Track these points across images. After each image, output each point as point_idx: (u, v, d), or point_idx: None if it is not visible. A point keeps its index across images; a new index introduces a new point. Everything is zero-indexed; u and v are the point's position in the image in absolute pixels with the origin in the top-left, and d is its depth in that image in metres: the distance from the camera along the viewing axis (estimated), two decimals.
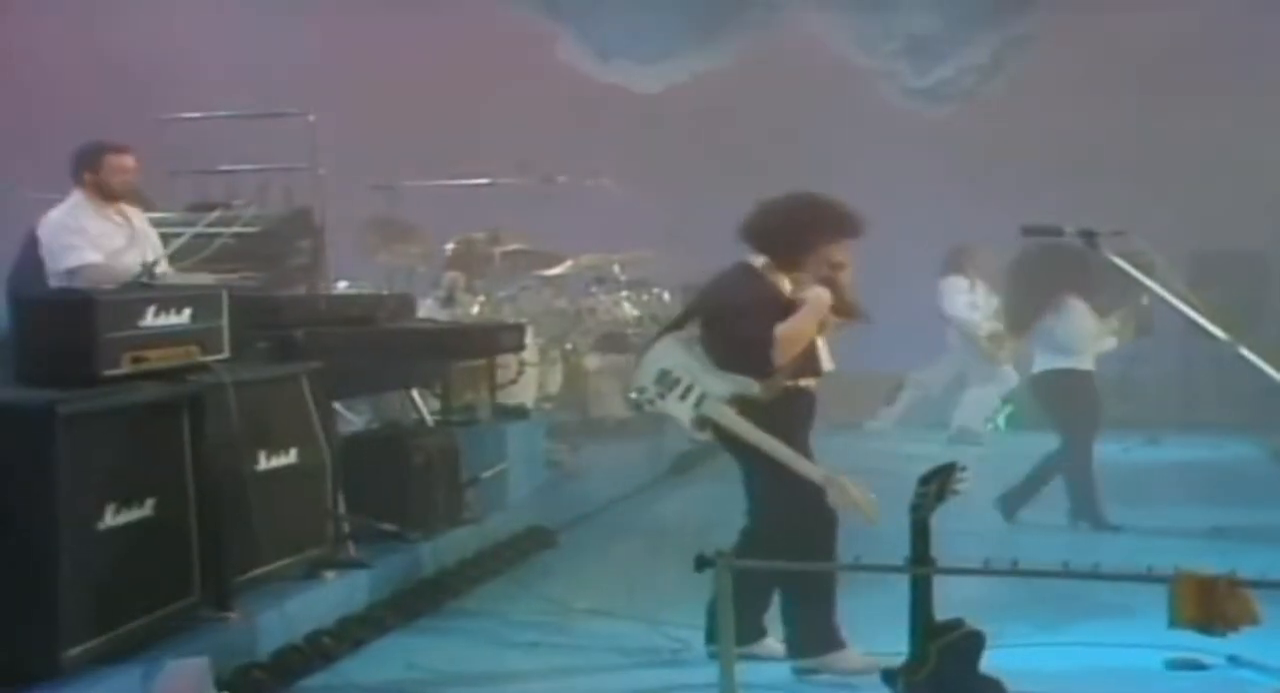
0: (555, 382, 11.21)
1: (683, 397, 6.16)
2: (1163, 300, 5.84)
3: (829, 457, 6.28)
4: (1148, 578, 4.08)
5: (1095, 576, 4.12)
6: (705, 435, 6.26)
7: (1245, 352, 5.79)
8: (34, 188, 8.92)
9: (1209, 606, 3.95)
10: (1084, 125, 14.26)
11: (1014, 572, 4.13)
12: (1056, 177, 13.84)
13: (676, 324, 6.50)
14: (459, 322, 9.15)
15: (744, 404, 6.05)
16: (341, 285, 10.19)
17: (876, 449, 12.51)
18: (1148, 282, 5.93)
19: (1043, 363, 9.15)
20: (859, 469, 6.47)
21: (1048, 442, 12.73)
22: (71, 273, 7.71)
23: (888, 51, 15.16)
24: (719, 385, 6.09)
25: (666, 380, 6.20)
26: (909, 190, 13.84)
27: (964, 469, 4.91)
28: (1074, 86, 14.50)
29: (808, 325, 6.10)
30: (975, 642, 4.89)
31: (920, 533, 4.62)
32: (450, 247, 11.63)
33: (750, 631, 6.14)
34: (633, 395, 6.47)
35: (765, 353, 6.02)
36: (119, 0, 14.24)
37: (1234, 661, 6.07)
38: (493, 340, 8.28)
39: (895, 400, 14.27)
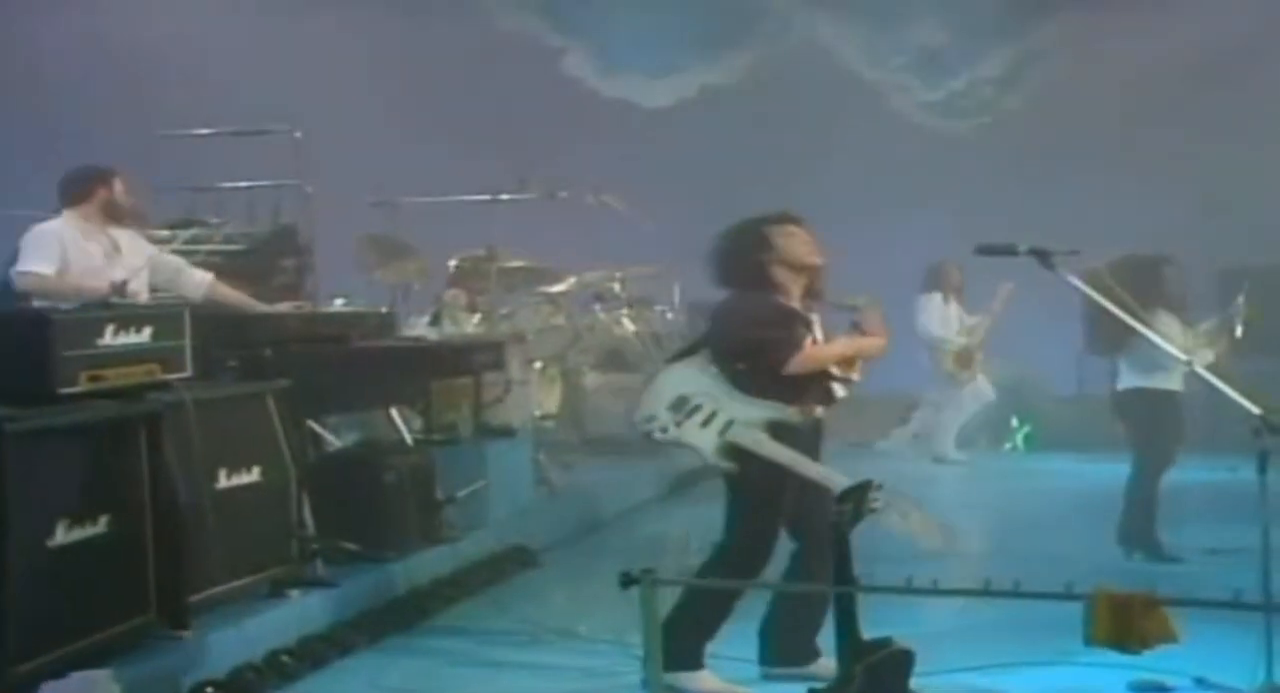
0: (554, 400, 11.16)
1: (704, 424, 5.90)
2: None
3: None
4: (1066, 597, 3.99)
5: (1015, 594, 4.04)
6: (729, 465, 5.93)
7: (1201, 371, 5.75)
8: (26, 201, 8.92)
9: (1123, 624, 3.86)
10: (1105, 140, 14.14)
11: (935, 591, 4.04)
12: (1076, 192, 13.74)
13: (690, 350, 6.27)
14: (433, 340, 9.10)
15: (774, 431, 5.87)
16: (338, 303, 10.16)
17: (889, 469, 12.44)
18: (1104, 301, 5.85)
19: (1128, 380, 8.79)
20: None
21: (1055, 463, 12.82)
22: (19, 274, 7.62)
23: (898, 65, 15.10)
24: (749, 411, 5.88)
25: (684, 407, 5.93)
26: (923, 206, 13.77)
27: (879, 487, 4.81)
28: (1094, 100, 14.40)
29: (838, 355, 6.10)
30: (903, 660, 4.82)
31: (842, 552, 4.55)
32: (453, 263, 11.62)
33: (806, 651, 6.13)
34: (641, 425, 6.06)
35: (783, 371, 5.90)
36: (113, 6, 14.33)
37: (1200, 683, 5.98)
38: (467, 359, 8.21)
39: (909, 421, 14.17)
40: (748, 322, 6.02)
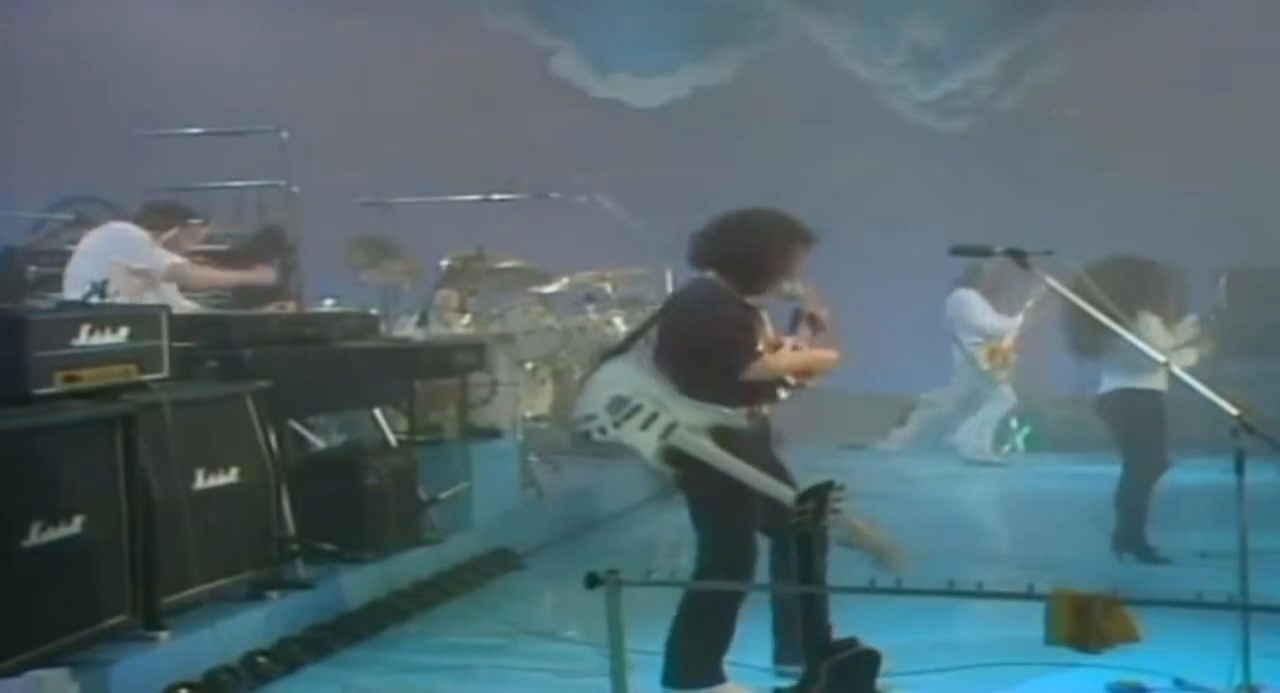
0: (545, 401, 11.12)
1: (644, 426, 5.71)
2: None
3: (837, 478, 6.03)
4: (1028, 597, 3.96)
5: (978, 594, 4.01)
6: (669, 469, 5.81)
7: (1178, 371, 5.74)
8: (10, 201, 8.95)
9: (1083, 623, 3.84)
10: (1104, 139, 14.09)
11: (897, 591, 4.01)
12: (1072, 192, 13.71)
13: (625, 345, 6.13)
14: (417, 341, 9.06)
15: (717, 436, 5.70)
16: (328, 303, 10.15)
17: (885, 470, 12.49)
18: (1080, 302, 5.82)
19: (1111, 382, 8.74)
20: (867, 491, 6.29)
21: (1053, 465, 12.76)
22: (175, 265, 8.24)
23: (892, 64, 15.07)
24: (692, 415, 5.70)
25: (622, 408, 5.73)
26: (919, 206, 13.74)
27: (841, 487, 4.76)
28: (1090, 99, 14.36)
29: (795, 368, 5.98)
30: (869, 661, 4.80)
31: (804, 552, 4.52)
32: (444, 264, 11.59)
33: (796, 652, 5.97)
34: (580, 424, 5.91)
35: (739, 375, 5.75)
36: (100, 5, 14.32)
37: (1179, 684, 5.96)
38: (448, 360, 8.17)
39: (906, 421, 14.13)
40: (712, 321, 5.84)
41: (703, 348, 5.80)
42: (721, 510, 5.80)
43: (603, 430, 5.80)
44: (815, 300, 6.19)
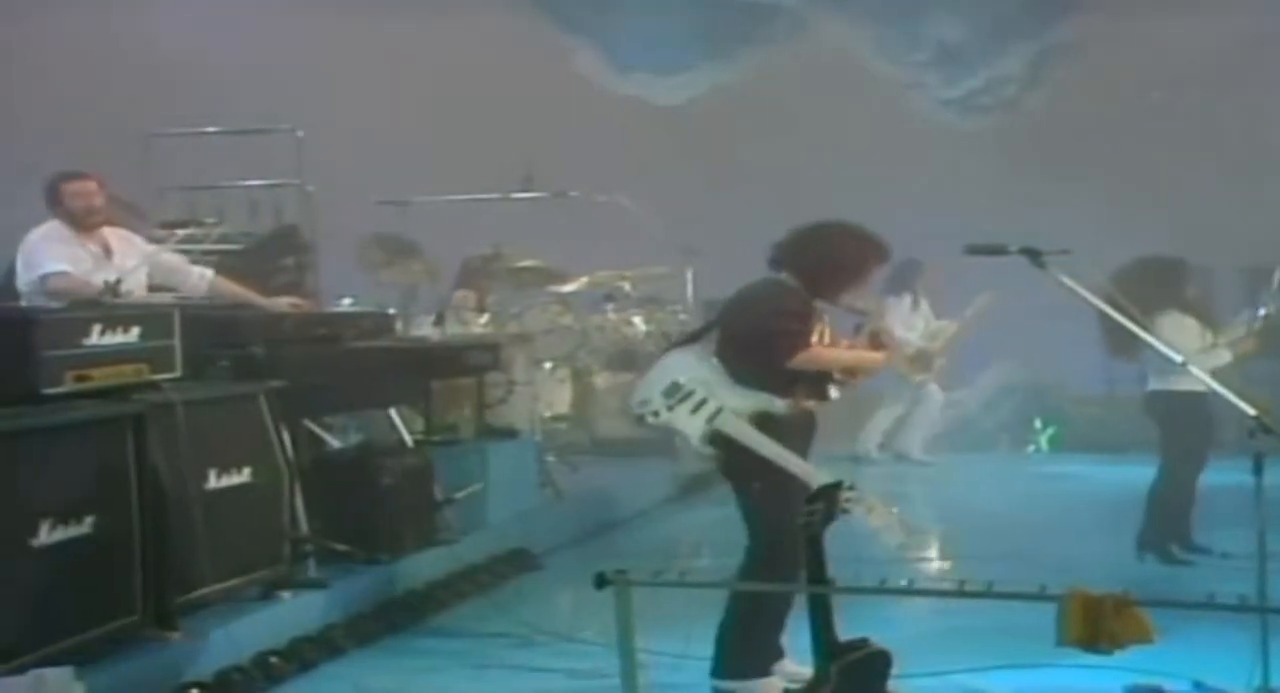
0: (564, 401, 11.08)
1: (694, 410, 5.94)
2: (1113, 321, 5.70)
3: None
4: (1039, 597, 3.90)
5: (989, 594, 3.95)
6: (711, 452, 6.01)
7: (1195, 370, 5.66)
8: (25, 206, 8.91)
9: (1094, 625, 3.79)
10: (1126, 138, 14.01)
11: (908, 591, 3.97)
12: (1097, 190, 13.63)
13: (694, 337, 6.32)
14: (433, 340, 9.04)
15: (759, 422, 5.88)
16: (346, 303, 10.13)
17: (901, 470, 12.47)
18: (1098, 302, 5.75)
19: (1153, 383, 8.67)
20: (883, 491, 6.31)
21: (1076, 465, 12.68)
22: (43, 278, 7.67)
23: (915, 62, 14.99)
24: (737, 400, 5.91)
25: (677, 393, 5.97)
26: (941, 205, 13.66)
27: (851, 487, 4.75)
28: (1116, 97, 14.28)
29: (842, 363, 6.11)
30: (880, 661, 4.76)
31: (814, 552, 4.48)
32: (462, 263, 11.57)
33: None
34: (635, 408, 6.12)
35: (785, 362, 5.89)
36: (116, 5, 14.33)
37: (1198, 686, 5.90)
38: (461, 360, 8.15)
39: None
40: (769, 309, 6.00)
41: (757, 335, 5.98)
42: (765, 501, 5.90)
43: (656, 414, 6.02)
44: (877, 317, 6.36)
